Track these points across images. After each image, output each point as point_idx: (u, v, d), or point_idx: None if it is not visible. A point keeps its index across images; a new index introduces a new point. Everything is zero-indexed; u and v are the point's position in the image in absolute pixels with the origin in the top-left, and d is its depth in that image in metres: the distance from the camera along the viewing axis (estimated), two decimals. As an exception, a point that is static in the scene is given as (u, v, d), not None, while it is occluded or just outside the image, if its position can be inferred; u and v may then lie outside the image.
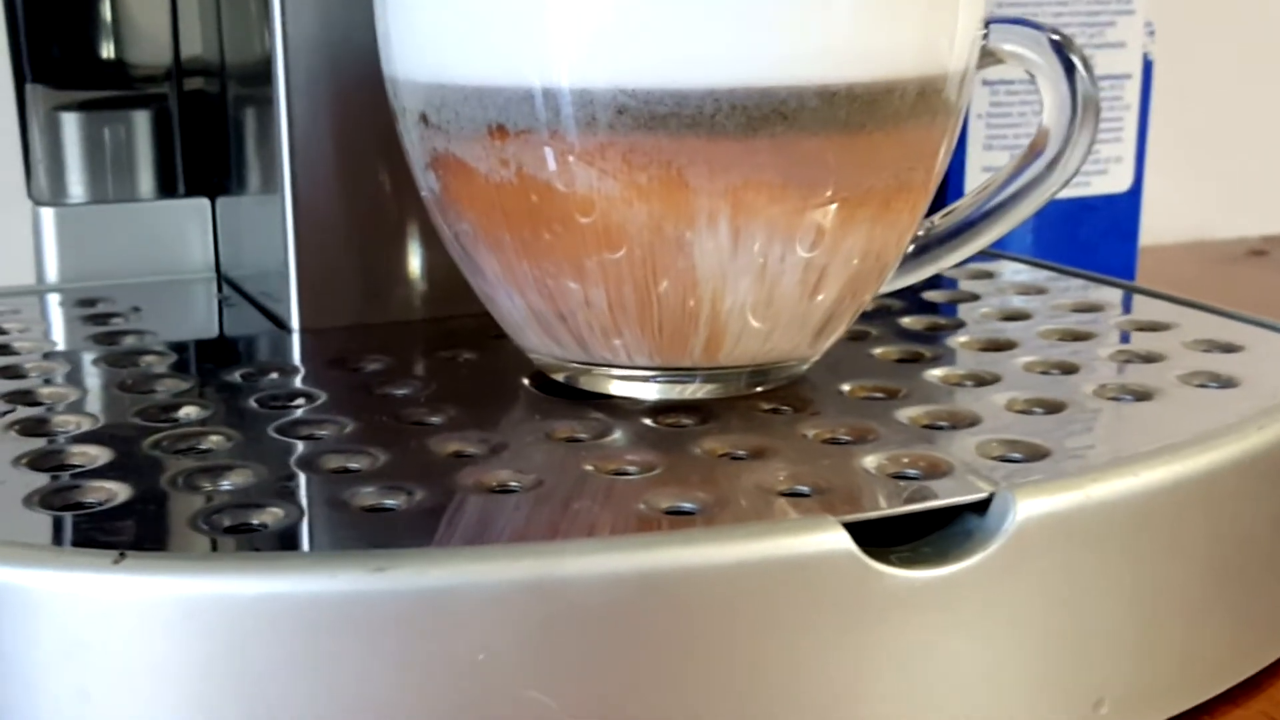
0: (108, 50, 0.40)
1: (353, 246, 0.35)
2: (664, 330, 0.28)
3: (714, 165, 0.26)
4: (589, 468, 0.26)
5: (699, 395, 0.30)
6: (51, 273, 0.39)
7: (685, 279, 0.27)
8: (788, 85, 0.26)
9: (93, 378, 0.31)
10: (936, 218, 0.32)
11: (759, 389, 0.30)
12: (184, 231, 0.40)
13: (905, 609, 0.24)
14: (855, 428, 0.28)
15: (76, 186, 0.40)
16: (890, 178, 0.28)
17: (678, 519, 0.24)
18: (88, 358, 0.33)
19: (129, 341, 0.34)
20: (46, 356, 0.33)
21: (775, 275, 0.28)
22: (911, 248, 0.31)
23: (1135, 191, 0.48)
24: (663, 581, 0.23)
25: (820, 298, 0.29)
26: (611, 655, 0.22)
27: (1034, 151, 0.31)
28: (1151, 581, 0.26)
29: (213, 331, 0.36)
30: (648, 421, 0.29)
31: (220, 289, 0.39)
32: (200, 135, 0.40)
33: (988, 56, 0.30)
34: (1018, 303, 0.38)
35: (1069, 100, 0.31)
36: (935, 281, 0.40)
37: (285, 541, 0.23)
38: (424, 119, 0.28)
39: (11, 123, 0.39)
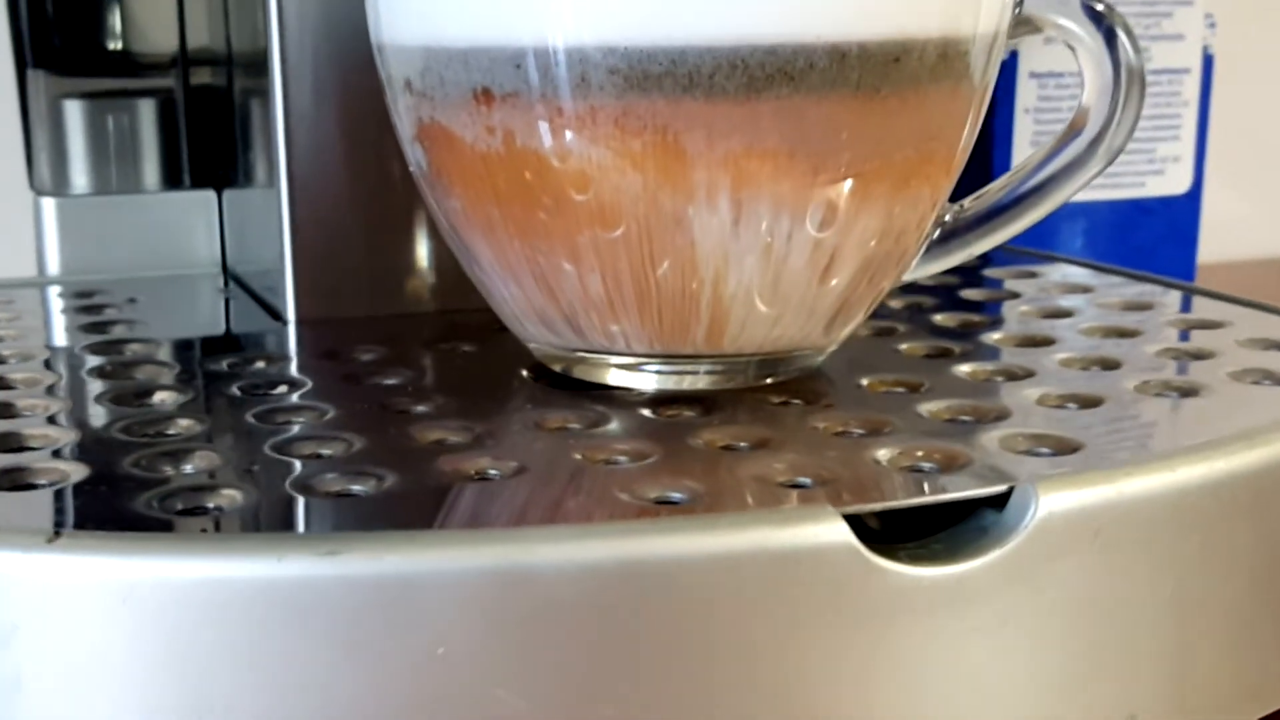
0: (113, 38, 0.39)
1: (352, 238, 0.33)
2: (663, 314, 0.26)
3: (713, 131, 0.24)
4: (577, 457, 0.24)
5: (702, 386, 0.28)
6: (53, 265, 0.38)
7: (684, 258, 0.25)
8: (794, 43, 0.24)
9: (73, 365, 0.30)
10: (967, 201, 0.30)
11: (769, 380, 0.28)
12: (189, 225, 0.39)
13: (912, 609, 0.21)
14: (869, 420, 0.26)
15: (79, 177, 0.38)
16: (909, 150, 0.26)
17: (663, 508, 0.22)
18: (71, 346, 0.31)
19: (117, 331, 0.32)
20: (28, 344, 0.31)
21: (782, 255, 0.26)
22: (938, 233, 0.29)
23: (1195, 194, 0.46)
24: (641, 572, 0.21)
25: (834, 282, 0.26)
26: (584, 652, 0.20)
27: (1073, 130, 0.29)
28: (1191, 589, 0.23)
29: (206, 324, 0.35)
30: (646, 412, 0.27)
31: (226, 284, 0.38)
32: (206, 127, 0.39)
33: (1022, 24, 0.28)
34: (1062, 301, 0.36)
35: (1111, 72, 0.28)
36: (974, 280, 0.38)
37: (236, 525, 0.22)
38: (409, 86, 0.26)
39: (13, 110, 0.38)
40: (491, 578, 0.20)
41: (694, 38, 0.24)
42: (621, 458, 0.24)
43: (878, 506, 0.22)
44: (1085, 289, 0.37)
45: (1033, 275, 0.38)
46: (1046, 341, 0.32)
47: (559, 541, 0.20)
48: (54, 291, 0.37)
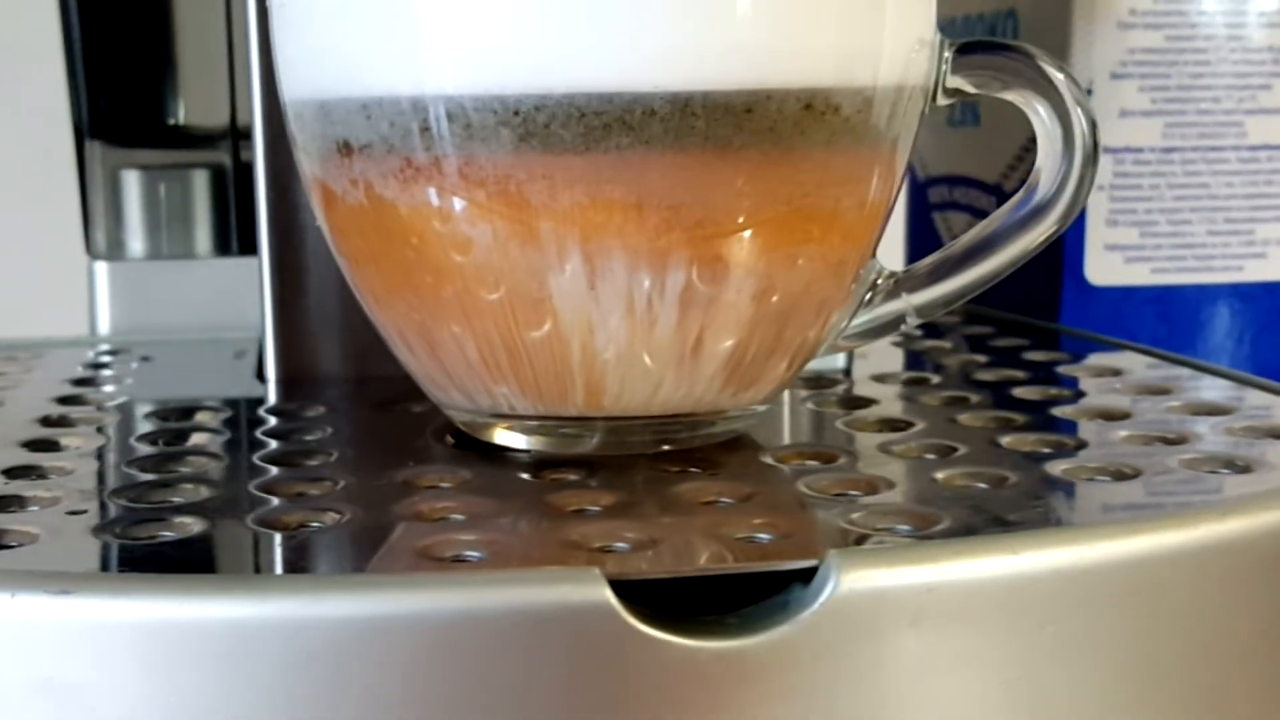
0: (169, 113, 0.40)
1: (330, 301, 0.34)
2: (538, 375, 0.25)
3: (555, 182, 0.23)
4: (414, 513, 0.24)
5: (593, 450, 0.27)
6: (104, 325, 0.40)
7: (547, 316, 0.25)
8: (630, 91, 0.23)
9: (21, 417, 0.31)
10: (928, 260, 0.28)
11: (666, 447, 0.27)
12: (237, 289, 0.40)
13: (680, 679, 0.20)
14: (743, 491, 0.25)
15: (133, 242, 0.40)
16: (780, 207, 0.24)
17: (444, 564, 0.21)
18: (37, 402, 0.32)
19: (101, 390, 0.33)
20: (13, 395, 0.33)
21: (646, 314, 0.24)
22: (869, 295, 0.28)
23: (1305, 280, 0.42)
24: (390, 627, 0.20)
25: (719, 344, 0.25)
26: (331, 705, 0.20)
27: (1028, 192, 0.27)
28: (1036, 684, 0.21)
29: (189, 382, 0.35)
30: (525, 475, 0.26)
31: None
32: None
33: (952, 84, 0.27)
34: (1077, 386, 0.33)
35: (1059, 135, 0.27)
36: (1012, 363, 0.35)
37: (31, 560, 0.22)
38: (294, 140, 0.26)
39: (71, 179, 0.40)
40: (231, 627, 0.20)
41: (528, 86, 0.23)
42: (458, 516, 0.24)
43: (655, 574, 0.21)
44: (1115, 371, 0.34)
45: (1072, 360, 0.36)
46: (1010, 422, 0.29)
47: (298, 593, 0.20)
48: (84, 352, 0.38)
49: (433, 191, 0.24)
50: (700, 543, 0.22)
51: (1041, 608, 0.21)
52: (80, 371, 0.35)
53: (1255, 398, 0.31)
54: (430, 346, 0.26)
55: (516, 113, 0.23)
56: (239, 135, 0.40)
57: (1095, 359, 0.36)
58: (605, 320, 0.25)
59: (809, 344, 0.27)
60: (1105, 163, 0.40)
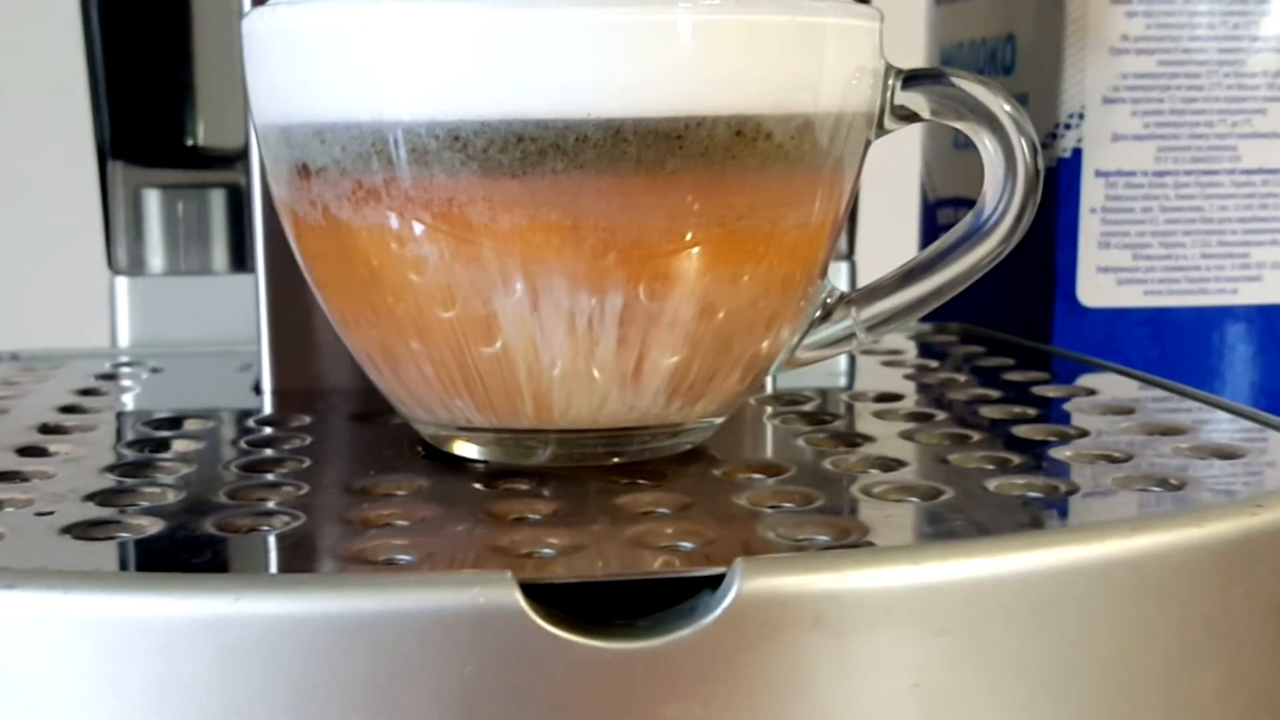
0: (188, 134, 0.42)
1: (322, 316, 0.35)
2: (489, 389, 0.27)
3: (495, 204, 0.25)
4: (362, 519, 0.25)
5: (546, 462, 0.28)
6: (123, 338, 0.42)
7: (494, 333, 0.26)
8: (564, 118, 0.24)
9: (22, 424, 0.32)
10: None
11: (617, 459, 0.28)
12: (252, 304, 0.41)
13: (590, 681, 0.21)
14: (680, 502, 0.26)
15: (153, 258, 0.42)
16: (714, 228, 0.25)
17: (376, 566, 0.23)
18: (40, 411, 0.34)
19: (103, 399, 0.35)
20: (20, 403, 0.34)
21: (588, 331, 0.26)
22: (819, 312, 0.28)
23: (1302, 303, 0.42)
24: (311, 626, 0.21)
25: (664, 360, 0.26)
26: (252, 699, 0.21)
27: (975, 214, 0.28)
28: (939, 690, 0.22)
29: (195, 393, 0.37)
30: (478, 485, 0.27)
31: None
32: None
33: (900, 111, 0.28)
34: (1045, 406, 0.34)
35: (1002, 162, 0.27)
36: (993, 382, 0.36)
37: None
38: (262, 165, 0.28)
39: (94, 197, 0.42)
40: (162, 623, 0.21)
41: (467, 112, 0.24)
42: (402, 522, 0.25)
43: (566, 578, 0.22)
44: (1090, 391, 0.34)
45: (1044, 381, 0.36)
46: (964, 439, 0.30)
47: (221, 592, 0.21)
48: (100, 363, 0.40)
49: (383, 213, 0.25)
50: (620, 550, 0.23)
51: (940, 616, 0.22)
52: (90, 382, 0.37)
53: (1220, 420, 0.32)
54: (392, 363, 0.27)
55: (457, 138, 0.24)
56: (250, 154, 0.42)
57: (1078, 381, 0.36)
58: (549, 338, 0.26)
59: (760, 359, 0.28)
60: (1098, 186, 0.41)
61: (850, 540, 0.23)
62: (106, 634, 0.21)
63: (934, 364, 0.39)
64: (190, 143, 0.42)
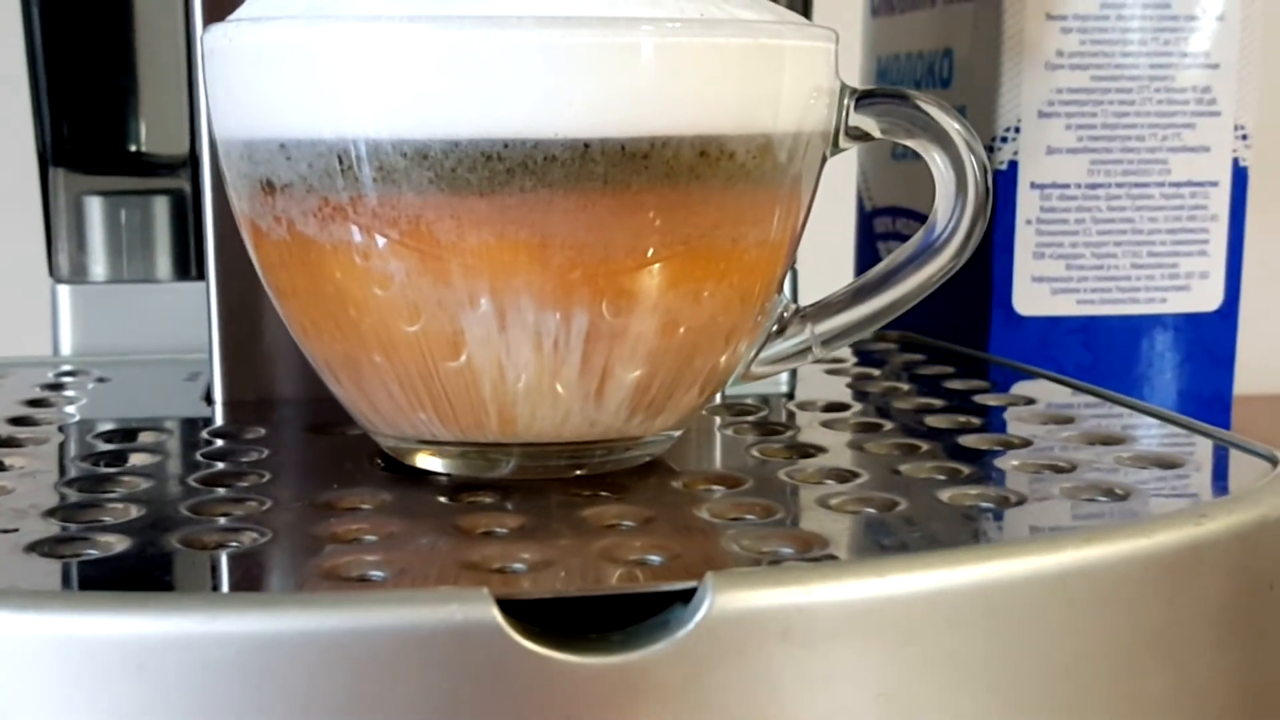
0: (130, 140, 0.42)
1: (277, 324, 0.35)
2: (453, 404, 0.27)
3: (463, 222, 0.25)
4: (328, 534, 0.25)
5: (509, 475, 0.28)
6: (66, 346, 0.41)
7: (460, 348, 0.26)
8: (532, 138, 0.24)
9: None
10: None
11: (579, 471, 0.28)
12: (197, 313, 0.41)
13: (566, 697, 0.21)
14: (642, 515, 0.26)
15: (95, 266, 0.42)
16: (678, 246, 0.26)
17: (350, 584, 0.23)
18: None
19: (50, 409, 0.35)
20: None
21: (554, 348, 0.26)
22: (776, 326, 0.29)
23: (1228, 312, 0.43)
24: (290, 644, 0.21)
25: (627, 374, 0.27)
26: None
27: (926, 231, 0.29)
28: (891, 707, 0.22)
29: (144, 404, 0.37)
30: (443, 499, 0.27)
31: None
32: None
33: (854, 131, 0.28)
34: (984, 416, 0.34)
35: (953, 180, 0.28)
36: (934, 391, 0.37)
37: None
38: (223, 179, 0.28)
39: (35, 204, 0.41)
40: (137, 641, 0.21)
41: (436, 131, 0.25)
42: (371, 537, 0.25)
43: (541, 594, 0.22)
44: (1029, 400, 0.35)
45: (984, 390, 0.37)
46: (913, 450, 0.31)
47: (197, 610, 0.21)
48: (44, 372, 0.39)
49: (349, 230, 0.25)
50: (591, 564, 0.24)
51: (904, 627, 0.22)
52: (36, 393, 0.36)
53: (1150, 425, 0.33)
54: (355, 376, 0.28)
55: (426, 156, 0.25)
56: (199, 163, 0.41)
57: (1014, 388, 0.37)
58: (515, 354, 0.26)
59: (718, 373, 0.28)
60: (1033, 198, 0.42)
61: (813, 553, 0.24)
62: (82, 653, 0.21)
63: (875, 372, 0.39)
64: (134, 149, 0.42)
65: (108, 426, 0.33)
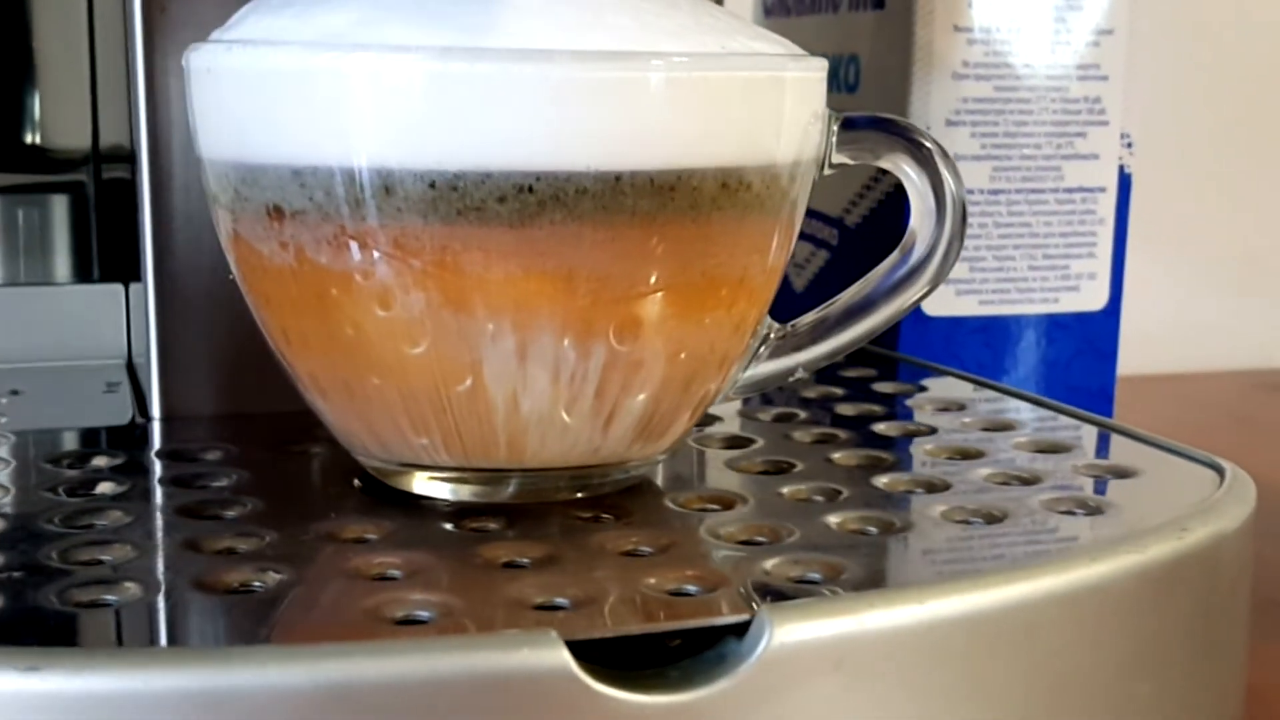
0: (27, 133, 0.40)
1: (219, 334, 0.34)
2: (462, 431, 0.27)
3: (490, 253, 0.25)
4: (351, 569, 0.25)
5: (509, 498, 0.28)
6: (-41, 353, 0.39)
7: (476, 377, 0.26)
8: (565, 170, 0.24)
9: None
10: (810, 316, 0.30)
11: (580, 494, 0.28)
12: (97, 318, 0.40)
13: (634, 738, 0.22)
14: (659, 540, 0.26)
15: (-11, 268, 0.40)
16: (695, 274, 0.26)
17: (403, 629, 0.23)
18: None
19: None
20: None
21: (571, 376, 0.26)
22: (762, 349, 0.30)
23: (1112, 311, 0.45)
24: (353, 695, 0.21)
25: (634, 400, 0.27)
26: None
27: (903, 252, 0.30)
28: (943, 723, 0.23)
29: (67, 421, 0.35)
30: (448, 526, 0.27)
31: (132, 377, 0.39)
32: (116, 222, 0.40)
33: (849, 154, 0.29)
34: (927, 419, 0.36)
35: (932, 203, 0.29)
36: (861, 394, 0.38)
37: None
38: (216, 200, 0.27)
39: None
40: (195, 699, 0.20)
41: (466, 163, 0.24)
42: (396, 572, 0.25)
43: (608, 633, 0.22)
44: (959, 406, 0.37)
45: (921, 390, 0.38)
46: (881, 462, 0.32)
47: (262, 663, 0.21)
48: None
49: (367, 259, 0.25)
50: (637, 599, 0.24)
51: (943, 651, 0.23)
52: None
53: (1096, 434, 0.34)
54: (348, 397, 0.27)
55: (455, 188, 0.24)
56: (101, 158, 0.40)
57: (937, 390, 0.38)
58: (532, 384, 0.26)
59: (710, 396, 0.29)
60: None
61: (843, 579, 0.25)
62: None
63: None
64: (30, 142, 0.40)
65: (53, 451, 0.31)
